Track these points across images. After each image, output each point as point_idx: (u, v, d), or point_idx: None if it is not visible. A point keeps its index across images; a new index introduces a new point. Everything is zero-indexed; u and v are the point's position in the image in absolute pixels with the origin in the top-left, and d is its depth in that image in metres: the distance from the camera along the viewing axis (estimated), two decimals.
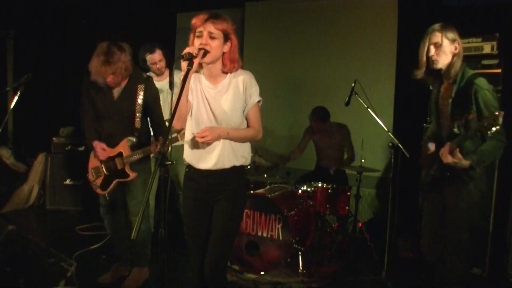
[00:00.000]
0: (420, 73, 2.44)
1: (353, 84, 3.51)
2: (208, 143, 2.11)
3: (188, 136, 2.21)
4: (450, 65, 2.37)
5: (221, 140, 2.14)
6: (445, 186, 2.46)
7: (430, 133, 2.66)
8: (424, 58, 2.40)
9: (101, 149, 2.94)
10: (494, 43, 3.44)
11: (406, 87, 4.52)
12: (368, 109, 3.36)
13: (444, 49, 2.34)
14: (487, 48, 3.44)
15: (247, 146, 2.25)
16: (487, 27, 3.69)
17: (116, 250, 3.25)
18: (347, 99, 3.53)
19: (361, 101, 3.41)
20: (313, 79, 5.02)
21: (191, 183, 2.24)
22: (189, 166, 2.23)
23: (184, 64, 1.95)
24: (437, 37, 2.34)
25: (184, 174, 2.28)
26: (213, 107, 2.14)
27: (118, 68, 2.79)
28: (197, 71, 2.16)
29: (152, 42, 3.67)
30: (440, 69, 2.41)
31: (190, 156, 2.21)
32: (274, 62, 5.21)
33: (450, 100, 2.38)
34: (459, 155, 2.25)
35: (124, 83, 2.94)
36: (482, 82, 2.31)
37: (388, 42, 4.58)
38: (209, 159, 2.15)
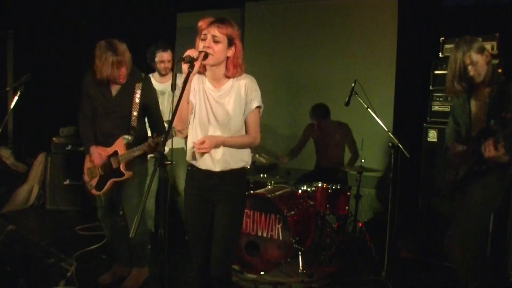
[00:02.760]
0: (459, 87, 2.49)
1: (353, 84, 3.50)
2: (206, 152, 2.14)
3: (190, 138, 2.22)
4: (486, 73, 2.46)
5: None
6: (473, 183, 2.51)
7: (454, 135, 2.68)
8: (457, 74, 2.46)
9: (98, 155, 2.92)
10: (494, 43, 3.44)
11: (406, 87, 4.52)
12: (368, 109, 3.36)
13: (480, 63, 2.44)
14: (487, 48, 3.43)
15: (246, 150, 2.27)
16: (487, 27, 3.69)
17: (114, 252, 3.24)
18: (347, 99, 3.53)
19: (361, 101, 3.40)
20: (313, 79, 5.01)
21: (193, 181, 2.26)
22: (191, 165, 2.26)
23: (185, 67, 1.95)
24: (470, 58, 2.41)
25: (187, 172, 2.31)
26: (215, 110, 2.16)
27: (126, 58, 2.80)
28: (200, 73, 2.17)
29: (166, 42, 3.75)
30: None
31: (192, 158, 2.23)
32: (274, 62, 5.21)
33: (488, 101, 2.45)
34: (503, 149, 2.29)
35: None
36: None
37: (388, 42, 4.58)
38: (210, 163, 2.18)
